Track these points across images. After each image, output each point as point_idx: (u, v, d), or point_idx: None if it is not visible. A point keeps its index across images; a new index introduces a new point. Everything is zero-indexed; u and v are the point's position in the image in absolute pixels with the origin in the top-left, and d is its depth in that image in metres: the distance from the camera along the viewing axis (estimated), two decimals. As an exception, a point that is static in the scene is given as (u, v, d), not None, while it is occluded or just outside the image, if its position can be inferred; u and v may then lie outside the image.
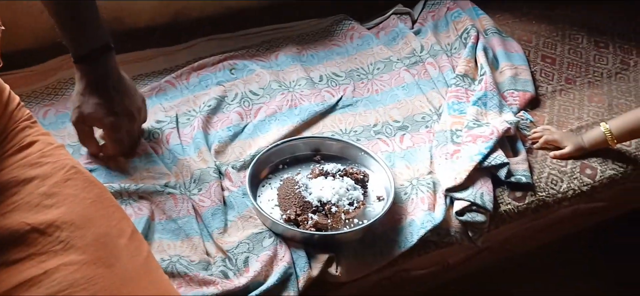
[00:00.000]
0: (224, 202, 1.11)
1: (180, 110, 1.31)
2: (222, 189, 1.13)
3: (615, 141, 1.24)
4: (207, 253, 1.02)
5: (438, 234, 1.12)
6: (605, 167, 1.26)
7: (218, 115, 1.31)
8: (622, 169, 1.27)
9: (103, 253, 0.78)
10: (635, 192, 1.35)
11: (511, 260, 1.34)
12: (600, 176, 1.25)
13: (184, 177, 1.14)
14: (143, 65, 1.44)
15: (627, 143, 1.31)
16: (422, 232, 1.09)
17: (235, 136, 1.26)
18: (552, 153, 1.28)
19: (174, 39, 1.52)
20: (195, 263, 0.98)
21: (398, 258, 1.09)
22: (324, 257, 1.02)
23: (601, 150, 1.28)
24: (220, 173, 1.16)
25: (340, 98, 1.41)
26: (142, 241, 0.85)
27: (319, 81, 1.46)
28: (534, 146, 1.30)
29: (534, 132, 1.32)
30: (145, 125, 1.23)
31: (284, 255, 1.01)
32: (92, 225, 0.81)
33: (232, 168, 1.17)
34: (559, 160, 1.27)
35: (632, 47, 1.65)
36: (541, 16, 1.74)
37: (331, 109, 1.38)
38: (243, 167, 1.17)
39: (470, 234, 1.13)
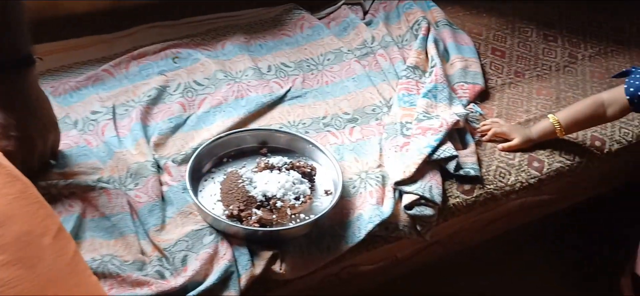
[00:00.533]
0: (163, 198, 1.05)
1: (118, 100, 1.24)
2: (161, 184, 1.07)
3: (564, 132, 1.24)
4: (143, 252, 0.96)
5: (386, 228, 1.10)
6: (552, 159, 1.27)
7: (159, 105, 1.25)
8: (568, 162, 1.28)
9: (25, 253, 0.72)
10: (580, 184, 1.36)
11: (461, 253, 1.34)
12: (548, 169, 1.26)
13: (119, 171, 1.08)
14: (80, 53, 1.36)
15: (574, 136, 1.32)
16: (370, 227, 1.06)
17: (176, 128, 1.20)
18: (500, 146, 1.28)
19: (114, 25, 1.45)
20: (128, 263, 0.92)
21: (345, 254, 1.06)
22: (267, 254, 0.99)
23: (548, 143, 1.29)
24: (159, 167, 1.11)
25: (289, 89, 1.37)
26: (69, 239, 0.79)
27: (267, 71, 1.42)
28: (483, 139, 1.30)
29: (483, 125, 1.31)
30: (79, 116, 1.16)
31: (226, 253, 0.96)
32: (13, 223, 0.74)
33: (173, 161, 1.11)
34: (507, 153, 1.27)
35: (580, 40, 1.67)
36: (491, 9, 1.74)
37: (279, 100, 1.34)
38: (184, 161, 1.12)
39: (418, 228, 1.12)
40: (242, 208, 1.01)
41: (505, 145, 1.27)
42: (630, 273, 1.32)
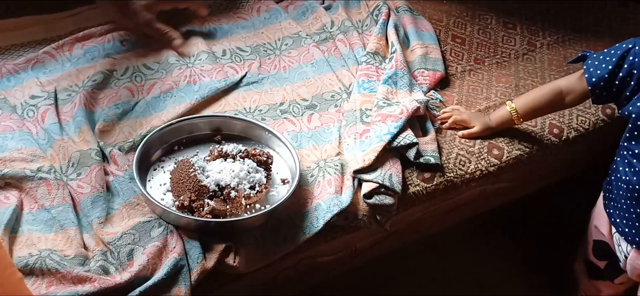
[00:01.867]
0: (108, 188, 0.99)
1: (60, 85, 1.17)
2: (106, 174, 1.01)
3: (521, 119, 1.24)
4: (85, 247, 0.91)
5: (345, 218, 1.07)
6: (512, 147, 1.26)
7: (105, 91, 1.18)
8: (527, 149, 1.27)
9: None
10: (539, 172, 1.36)
11: (419, 242, 1.32)
12: (507, 156, 1.25)
13: (60, 161, 1.01)
14: (19, 34, 1.28)
15: (532, 123, 1.32)
16: (328, 216, 1.03)
17: (124, 114, 1.14)
18: (460, 133, 1.27)
19: (56, 6, 1.36)
20: (69, 258, 0.86)
21: (303, 245, 1.03)
22: (220, 247, 0.94)
23: (508, 131, 1.28)
24: (104, 156, 1.05)
25: (245, 74, 1.32)
26: None
27: (222, 56, 1.36)
28: (443, 126, 1.28)
29: (443, 112, 1.30)
30: (17, 101, 1.09)
31: (175, 246, 0.91)
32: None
33: (119, 150, 1.05)
34: (467, 141, 1.25)
35: (539, 28, 1.67)
36: (452, -5, 1.73)
37: (235, 86, 1.29)
38: (132, 149, 1.06)
39: (378, 217, 1.09)
40: (193, 198, 0.97)
41: (466, 132, 1.26)
42: (583, 258, 1.35)
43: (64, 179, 0.98)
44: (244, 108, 1.23)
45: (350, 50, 1.44)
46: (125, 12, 1.28)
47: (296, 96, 1.28)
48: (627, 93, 1.08)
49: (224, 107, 1.23)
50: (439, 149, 1.20)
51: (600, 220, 1.23)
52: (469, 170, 1.21)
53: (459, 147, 1.24)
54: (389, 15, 1.51)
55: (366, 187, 1.08)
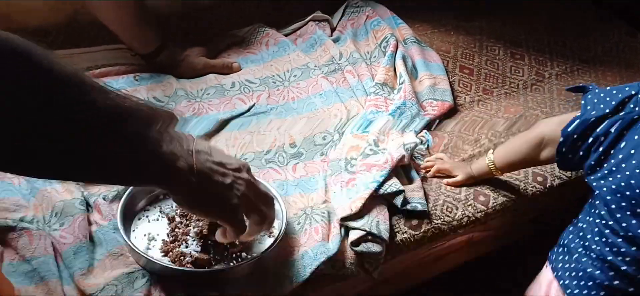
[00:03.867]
0: (91, 239, 0.91)
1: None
2: (90, 223, 0.93)
3: (500, 171, 1.09)
4: (66, 299, 0.83)
5: (333, 266, 0.97)
6: (497, 194, 1.14)
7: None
8: (513, 196, 1.14)
9: None
10: (525, 218, 1.25)
11: (410, 292, 1.21)
12: (493, 203, 1.12)
13: (44, 210, 0.92)
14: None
15: (517, 172, 1.17)
16: (315, 264, 0.93)
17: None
18: (445, 181, 1.14)
19: (71, 43, 1.30)
20: (48, 313, 0.79)
21: (290, 294, 0.93)
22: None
23: (493, 179, 1.15)
24: (88, 206, 0.96)
25: (253, 105, 1.24)
26: None
27: (231, 88, 1.28)
28: (427, 175, 1.16)
29: (427, 161, 1.17)
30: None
31: (158, 298, 0.83)
32: None
33: (103, 199, 0.95)
34: (453, 188, 1.13)
35: (547, 59, 1.54)
36: (459, 27, 1.60)
37: (241, 116, 1.22)
38: (116, 198, 0.96)
39: (366, 265, 0.99)
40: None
41: (451, 181, 1.13)
42: None
43: (47, 229, 0.90)
44: (247, 141, 1.15)
45: (358, 81, 1.34)
46: (182, 64, 1.30)
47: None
48: (592, 161, 0.89)
49: (232, 138, 1.15)
50: (426, 196, 1.08)
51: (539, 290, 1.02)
52: (456, 217, 1.08)
53: (445, 194, 1.11)
54: (397, 47, 1.41)
55: (353, 235, 0.98)
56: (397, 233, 1.03)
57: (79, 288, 0.84)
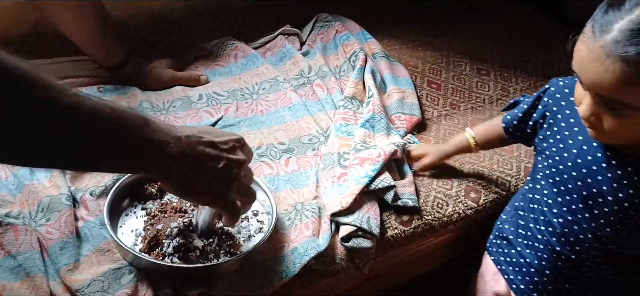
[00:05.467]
0: (77, 234, 0.94)
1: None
2: (76, 219, 0.97)
3: (478, 147, 1.22)
4: (52, 294, 0.85)
5: (323, 262, 1.04)
6: (488, 190, 1.25)
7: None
8: (504, 192, 1.26)
9: None
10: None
11: (400, 287, 1.29)
12: (484, 199, 1.23)
13: (30, 206, 0.96)
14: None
15: (508, 166, 1.31)
16: (305, 260, 1.00)
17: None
18: (414, 165, 1.25)
19: (36, 54, 1.34)
20: (35, 307, 0.81)
21: (279, 290, 0.99)
22: (193, 293, 0.90)
23: (484, 174, 1.27)
24: (75, 201, 1.00)
25: (221, 118, 1.30)
26: None
27: (198, 100, 1.34)
28: (415, 165, 1.26)
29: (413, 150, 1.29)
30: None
31: (146, 293, 0.87)
32: None
33: (90, 194, 1.00)
34: (444, 184, 1.24)
35: (512, 75, 1.69)
36: (426, 43, 1.75)
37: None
38: (103, 194, 1.01)
39: (356, 261, 1.06)
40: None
41: (419, 163, 1.25)
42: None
43: (33, 225, 0.94)
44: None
45: (327, 94, 1.43)
46: (148, 77, 1.35)
47: (273, 139, 1.26)
48: (540, 136, 1.04)
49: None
50: (417, 192, 1.19)
51: (487, 289, 1.15)
52: (446, 213, 1.19)
53: (436, 190, 1.22)
54: (366, 61, 1.52)
55: (344, 230, 1.05)
56: (387, 229, 1.11)
57: (65, 283, 0.87)
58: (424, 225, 1.15)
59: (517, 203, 1.11)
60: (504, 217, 1.14)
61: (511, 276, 1.09)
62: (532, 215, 1.05)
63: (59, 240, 0.91)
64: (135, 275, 0.90)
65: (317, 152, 1.24)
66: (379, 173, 1.12)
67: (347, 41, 1.60)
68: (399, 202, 1.14)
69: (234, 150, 0.85)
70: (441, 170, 1.27)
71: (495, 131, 1.18)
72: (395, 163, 1.22)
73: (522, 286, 1.07)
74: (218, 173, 0.81)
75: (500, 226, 1.14)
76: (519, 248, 1.07)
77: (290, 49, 1.57)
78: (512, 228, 1.10)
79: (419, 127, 1.42)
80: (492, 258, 1.15)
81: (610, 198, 0.90)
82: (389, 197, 1.12)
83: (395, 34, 1.76)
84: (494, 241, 1.15)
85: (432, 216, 1.17)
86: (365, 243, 1.05)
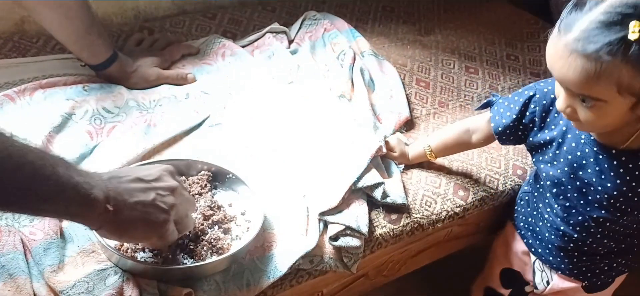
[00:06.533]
0: (62, 235, 0.93)
1: (17, 128, 1.11)
2: (60, 220, 0.95)
3: (434, 155, 1.25)
4: (35, 296, 0.84)
5: (311, 261, 1.04)
6: (477, 188, 1.26)
7: (63, 133, 1.13)
8: (492, 191, 1.26)
9: None
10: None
11: (389, 286, 1.29)
12: (472, 197, 1.24)
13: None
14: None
15: (497, 165, 1.31)
16: (293, 259, 0.99)
17: (82, 158, 1.09)
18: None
19: (20, 52, 1.32)
20: (17, 309, 0.80)
21: (267, 290, 0.98)
22: (180, 294, 0.89)
23: (473, 172, 1.28)
24: (59, 201, 0.99)
25: (208, 117, 1.29)
26: None
27: (185, 98, 1.33)
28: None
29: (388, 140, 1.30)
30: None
31: (132, 294, 0.86)
32: None
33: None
34: (433, 182, 1.24)
35: (500, 73, 1.70)
36: (415, 42, 1.75)
37: (197, 128, 1.26)
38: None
39: (345, 260, 1.06)
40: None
41: (388, 154, 1.26)
42: (483, 285, 1.39)
43: (16, 225, 0.92)
44: (205, 150, 1.19)
45: (316, 92, 1.43)
46: (134, 75, 1.33)
47: (261, 138, 1.25)
48: (531, 138, 1.10)
49: (184, 149, 1.19)
50: (405, 190, 1.19)
51: (509, 248, 1.26)
52: (435, 211, 1.19)
53: (424, 188, 1.22)
54: (354, 59, 1.51)
55: (332, 229, 1.05)
56: (376, 228, 1.11)
57: (49, 285, 0.86)
58: (413, 223, 1.15)
59: (531, 180, 1.20)
60: (525, 188, 1.24)
61: (530, 241, 1.20)
62: (539, 197, 1.15)
63: (42, 241, 0.90)
64: (120, 276, 0.89)
65: (306, 149, 1.23)
66: (366, 170, 1.12)
67: (335, 39, 1.60)
68: (388, 200, 1.14)
69: (161, 179, 0.83)
70: (430, 168, 1.27)
71: (454, 137, 1.22)
72: (383, 161, 1.22)
73: (539, 250, 1.18)
74: (149, 207, 0.79)
75: (522, 194, 1.24)
76: (531, 219, 1.18)
77: (278, 47, 1.56)
78: (529, 199, 1.20)
79: (408, 125, 1.42)
80: (514, 223, 1.25)
81: (599, 187, 0.99)
82: (378, 194, 1.12)
83: (384, 32, 1.76)
84: (516, 207, 1.25)
85: (421, 214, 1.17)
86: (354, 241, 1.05)
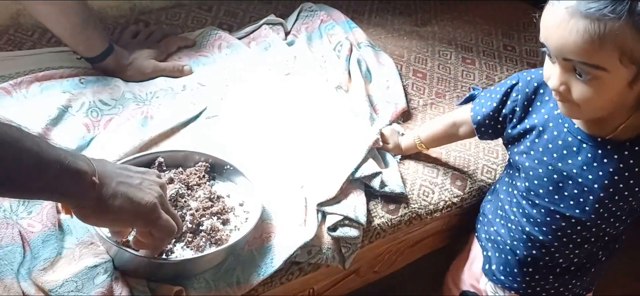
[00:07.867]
0: (60, 227, 0.93)
1: (14, 121, 1.11)
2: (59, 212, 0.95)
3: (424, 146, 1.25)
4: (24, 295, 0.84)
5: (309, 252, 1.04)
6: (474, 178, 1.26)
7: (60, 126, 1.13)
8: (489, 180, 1.27)
9: None
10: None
11: (379, 284, 1.29)
12: (470, 187, 1.24)
13: (11, 199, 0.94)
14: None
15: (494, 155, 1.32)
16: (292, 250, 1.00)
17: (79, 151, 1.09)
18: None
19: (16, 44, 1.32)
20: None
21: (258, 287, 0.99)
22: (169, 292, 0.89)
23: (470, 163, 1.29)
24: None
25: (205, 108, 1.29)
26: None
27: (182, 90, 1.33)
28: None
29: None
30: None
31: (121, 293, 0.86)
32: None
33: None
34: (430, 172, 1.25)
35: (497, 63, 1.70)
36: (412, 32, 1.75)
37: (194, 119, 1.26)
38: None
39: (343, 250, 1.06)
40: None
41: (383, 146, 1.26)
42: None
43: (14, 218, 0.92)
44: (204, 142, 1.19)
45: (313, 84, 1.43)
46: (130, 68, 1.33)
47: (258, 130, 1.25)
48: (509, 130, 1.06)
49: (183, 140, 1.19)
50: (403, 180, 1.19)
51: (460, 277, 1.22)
52: (432, 201, 1.20)
53: (422, 179, 1.23)
54: (351, 51, 1.52)
55: (330, 220, 1.06)
56: (374, 218, 1.12)
57: (37, 284, 0.86)
58: (411, 214, 1.16)
59: (498, 185, 1.15)
60: (488, 197, 1.19)
61: (489, 253, 1.14)
62: (508, 197, 1.09)
63: (41, 233, 0.90)
64: (109, 275, 0.89)
65: (303, 141, 1.23)
66: (363, 161, 1.13)
67: (332, 30, 1.60)
68: (386, 189, 1.14)
69: (148, 173, 0.84)
70: (427, 158, 1.28)
71: (441, 130, 1.21)
72: (380, 153, 1.22)
73: (494, 266, 1.13)
74: (136, 189, 0.80)
75: (484, 204, 1.19)
76: (495, 227, 1.12)
77: (274, 38, 1.56)
78: (492, 207, 1.14)
79: (405, 116, 1.42)
80: (476, 234, 1.19)
81: (579, 179, 0.94)
82: (376, 183, 1.12)
83: (381, 23, 1.76)
84: (479, 218, 1.20)
85: (418, 204, 1.18)
86: (352, 232, 1.06)
